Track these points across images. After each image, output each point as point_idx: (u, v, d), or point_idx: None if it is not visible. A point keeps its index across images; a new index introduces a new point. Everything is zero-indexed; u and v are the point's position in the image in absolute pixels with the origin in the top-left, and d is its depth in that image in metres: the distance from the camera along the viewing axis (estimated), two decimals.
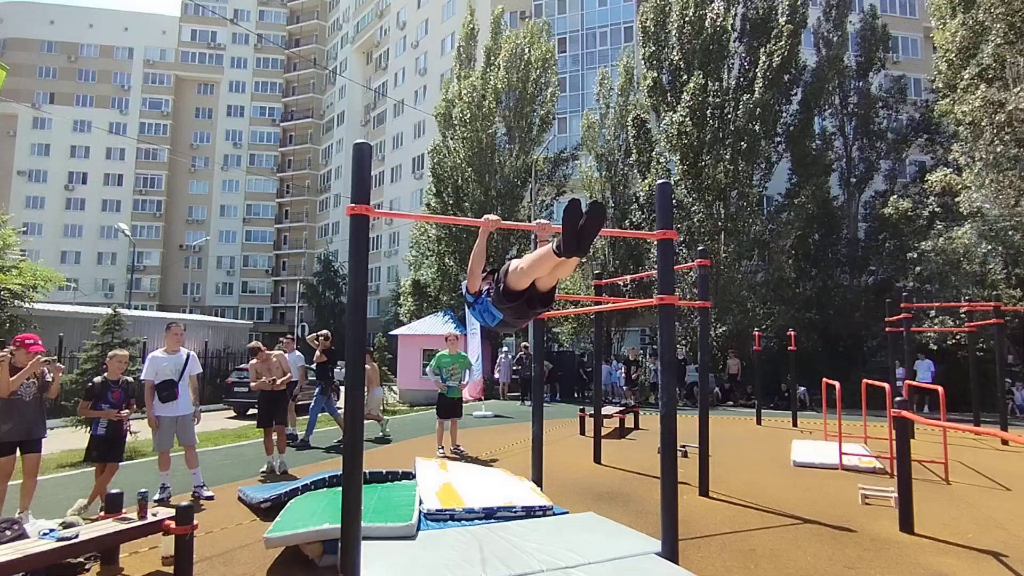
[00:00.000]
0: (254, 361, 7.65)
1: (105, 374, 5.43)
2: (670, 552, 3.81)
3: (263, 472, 7.35)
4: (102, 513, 4.03)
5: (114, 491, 4.14)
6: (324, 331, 9.79)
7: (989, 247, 17.31)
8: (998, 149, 16.86)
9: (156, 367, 5.81)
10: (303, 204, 62.34)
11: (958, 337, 17.75)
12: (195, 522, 3.80)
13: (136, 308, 40.78)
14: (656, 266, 4.23)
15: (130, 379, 5.58)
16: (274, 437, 7.43)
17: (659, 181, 4.15)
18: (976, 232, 17.28)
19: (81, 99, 60.36)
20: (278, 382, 7.46)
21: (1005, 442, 10.29)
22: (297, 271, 59.53)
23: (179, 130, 61.99)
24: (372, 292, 49.69)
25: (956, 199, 18.32)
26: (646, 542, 4.05)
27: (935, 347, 18.34)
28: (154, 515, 3.93)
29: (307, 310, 51.51)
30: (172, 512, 3.88)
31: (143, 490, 3.99)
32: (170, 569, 3.85)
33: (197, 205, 62.18)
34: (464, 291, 3.61)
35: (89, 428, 5.33)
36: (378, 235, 50.11)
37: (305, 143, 63.27)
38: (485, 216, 3.72)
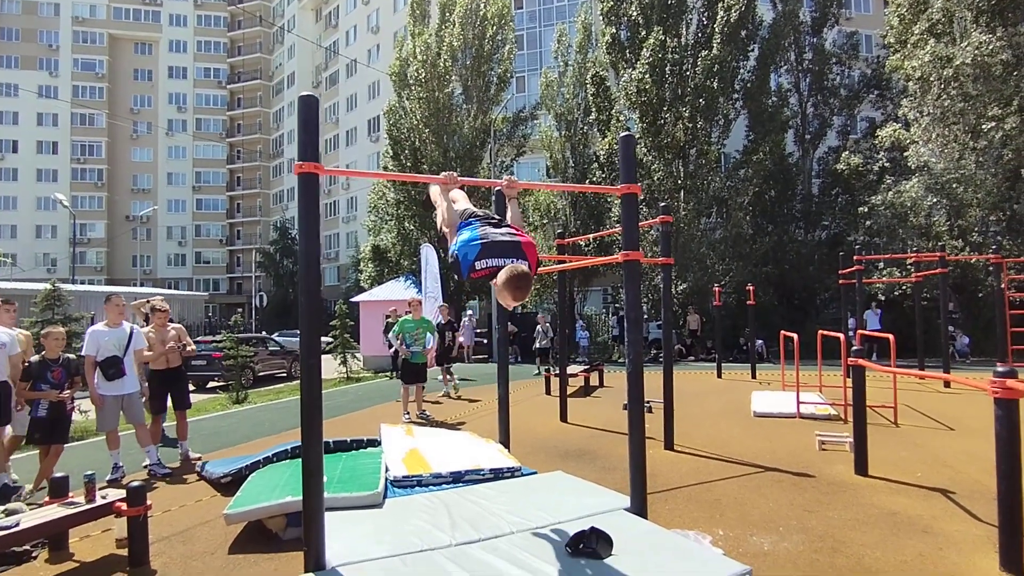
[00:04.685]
0: (145, 329, 6.37)
1: (43, 353, 5.10)
2: (639, 507, 3.84)
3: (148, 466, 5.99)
4: (48, 499, 3.82)
5: (59, 475, 3.92)
6: (158, 298, 7.61)
7: (934, 200, 17.90)
8: (945, 103, 17.28)
9: (97, 342, 5.47)
10: (255, 170, 60.12)
11: (904, 287, 18.48)
12: (148, 502, 3.64)
13: (83, 283, 39.08)
14: (616, 223, 4.15)
15: (72, 356, 5.27)
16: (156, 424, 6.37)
17: (622, 134, 4.03)
18: (923, 186, 17.82)
19: (5, 60, 56.08)
20: (188, 348, 6.55)
21: (947, 384, 10.82)
22: (252, 240, 57.80)
23: (117, 93, 58.43)
24: (331, 259, 48.72)
25: (905, 154, 18.81)
26: (615, 498, 4.07)
27: (883, 297, 19.07)
28: (103, 497, 3.73)
29: (265, 279, 50.31)
30: (123, 493, 3.70)
31: (89, 472, 3.78)
32: (125, 552, 3.68)
33: (142, 173, 59.24)
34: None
35: (29, 410, 5.02)
36: (335, 200, 48.90)
37: (255, 106, 60.61)
38: (444, 173, 3.55)
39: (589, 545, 3.13)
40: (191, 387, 8.83)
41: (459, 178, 3.54)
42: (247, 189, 60.50)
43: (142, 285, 45.00)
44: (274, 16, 59.90)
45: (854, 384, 5.38)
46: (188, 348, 6.58)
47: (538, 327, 15.68)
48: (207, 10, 61.73)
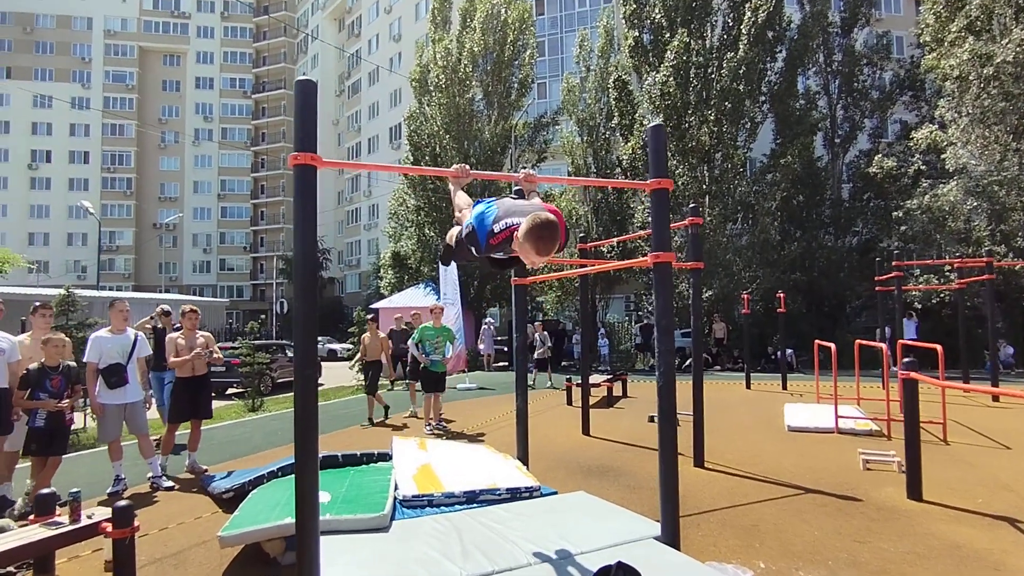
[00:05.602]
0: (175, 335, 6.27)
1: (42, 360, 4.90)
2: (671, 536, 3.46)
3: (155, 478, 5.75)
4: (32, 517, 3.57)
5: (45, 491, 3.68)
6: (163, 306, 7.64)
7: (975, 204, 17.13)
8: (985, 103, 16.58)
9: (100, 348, 5.27)
10: (279, 178, 60.80)
11: (942, 295, 17.71)
12: (137, 523, 3.36)
13: (110, 289, 39.66)
14: (639, 229, 3.80)
15: (71, 364, 5.05)
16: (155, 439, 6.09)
17: (652, 124, 3.68)
18: (962, 189, 17.08)
19: (40, 73, 57.65)
20: (215, 356, 6.34)
21: (996, 398, 10.19)
22: (276, 247, 58.32)
23: (146, 104, 59.69)
24: (353, 266, 48.92)
25: (941, 156, 18.09)
26: (643, 524, 3.70)
27: (919, 306, 18.29)
28: (89, 517, 3.47)
29: (287, 287, 50.64)
30: (110, 513, 3.43)
31: (75, 490, 3.52)
32: None
33: (169, 182, 60.34)
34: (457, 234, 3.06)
35: (27, 420, 4.81)
36: (357, 207, 49.15)
37: (279, 115, 61.38)
38: (456, 165, 3.24)
39: None
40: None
41: (471, 171, 3.23)
42: (271, 197, 61.23)
43: (168, 291, 45.61)
44: (298, 26, 60.70)
45: (906, 399, 4.91)
46: (214, 356, 6.40)
47: (535, 335, 14.84)
48: (233, 22, 62.84)
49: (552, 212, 2.51)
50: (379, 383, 9.73)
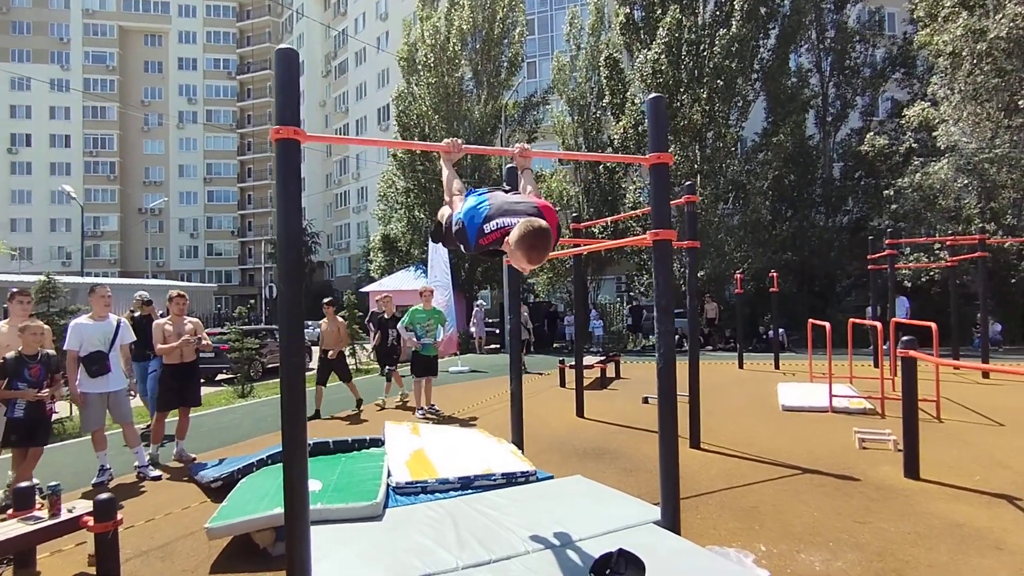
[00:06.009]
0: (162, 321, 6.14)
1: (19, 348, 4.72)
2: (671, 521, 3.39)
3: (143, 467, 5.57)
4: (11, 511, 3.44)
5: (24, 484, 3.55)
6: (142, 293, 7.43)
7: (965, 181, 17.11)
8: (978, 79, 16.46)
9: (80, 336, 5.10)
10: (266, 161, 59.92)
11: (931, 273, 17.77)
12: (119, 516, 3.24)
13: (97, 275, 39.15)
14: (631, 209, 3.67)
15: (51, 352, 4.88)
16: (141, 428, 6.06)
17: (652, 95, 3.54)
18: (953, 166, 17.04)
19: (17, 54, 56.19)
20: (204, 342, 6.19)
21: (986, 375, 10.24)
22: (264, 231, 57.71)
23: (128, 86, 58.42)
24: (343, 249, 48.51)
25: (933, 134, 18.02)
26: (642, 509, 3.63)
27: (908, 284, 18.36)
28: (70, 510, 3.34)
29: (276, 271, 50.19)
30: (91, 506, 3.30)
31: (53, 483, 3.39)
32: (95, 570, 3.30)
33: (154, 166, 59.31)
34: (446, 221, 2.94)
35: (6, 411, 4.65)
36: (346, 190, 48.59)
37: (264, 97, 60.27)
38: (447, 140, 3.09)
39: (617, 570, 2.69)
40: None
41: (463, 145, 3.09)
42: (258, 180, 60.42)
43: (155, 277, 45.06)
44: (282, 4, 59.43)
45: (904, 378, 4.86)
46: (203, 343, 6.25)
47: None
48: (216, 0, 61.39)
49: (545, 210, 2.44)
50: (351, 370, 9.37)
